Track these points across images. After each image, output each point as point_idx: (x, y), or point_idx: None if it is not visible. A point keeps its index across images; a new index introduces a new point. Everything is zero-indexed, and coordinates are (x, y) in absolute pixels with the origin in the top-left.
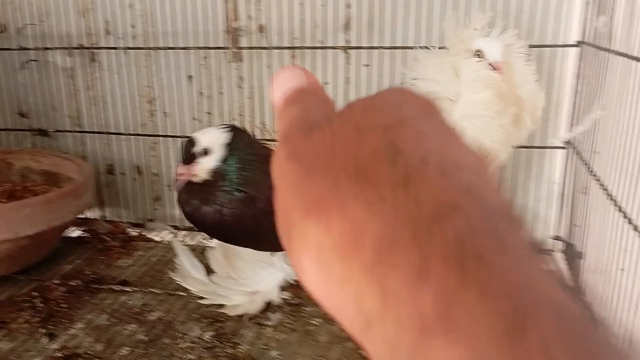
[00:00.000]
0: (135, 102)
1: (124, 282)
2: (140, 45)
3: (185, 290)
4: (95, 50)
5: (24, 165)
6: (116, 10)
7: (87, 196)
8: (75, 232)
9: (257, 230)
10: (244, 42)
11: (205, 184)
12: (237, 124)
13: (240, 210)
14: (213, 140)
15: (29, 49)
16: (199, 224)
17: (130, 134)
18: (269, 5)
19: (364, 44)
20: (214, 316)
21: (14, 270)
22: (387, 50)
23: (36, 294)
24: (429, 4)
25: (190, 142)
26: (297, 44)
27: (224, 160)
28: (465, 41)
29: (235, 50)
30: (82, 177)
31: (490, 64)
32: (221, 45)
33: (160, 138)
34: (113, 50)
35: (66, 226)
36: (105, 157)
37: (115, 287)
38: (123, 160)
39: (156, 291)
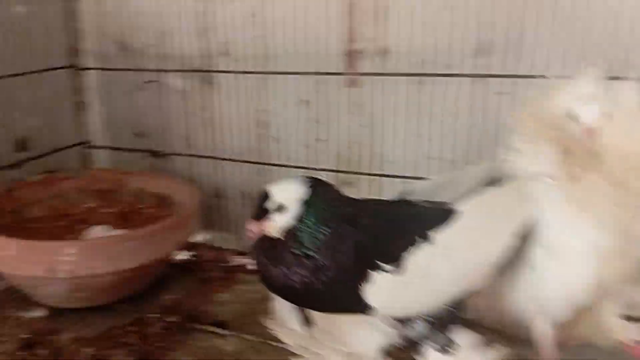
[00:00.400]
0: (247, 126)
1: (221, 324)
2: (255, 69)
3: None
4: (210, 73)
5: (138, 187)
6: (233, 30)
7: (192, 226)
8: (180, 255)
9: (328, 299)
10: (363, 66)
11: (277, 241)
12: (321, 176)
13: (308, 278)
14: (289, 196)
15: (147, 70)
16: (267, 283)
17: (237, 160)
18: (386, 25)
19: (501, 71)
20: None
21: (115, 299)
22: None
23: (134, 328)
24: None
25: (264, 196)
26: (423, 70)
27: (299, 219)
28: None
29: (352, 75)
30: (190, 202)
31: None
32: (337, 70)
33: (269, 166)
34: (229, 74)
35: (168, 257)
36: (213, 181)
37: (211, 329)
38: (230, 184)
39: (252, 338)
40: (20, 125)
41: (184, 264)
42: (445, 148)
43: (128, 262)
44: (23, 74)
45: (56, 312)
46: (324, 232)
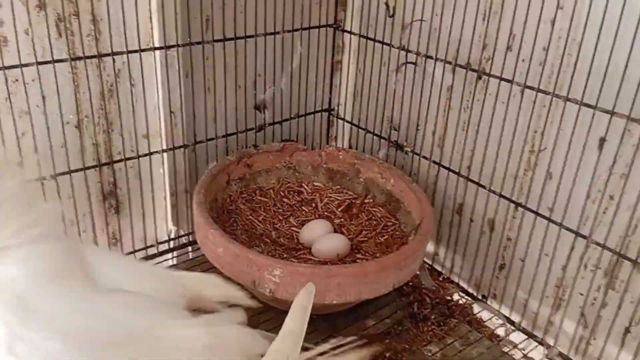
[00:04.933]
0: (515, 146)
1: None
2: (541, 87)
3: None
4: (484, 74)
5: (370, 177)
6: (528, 34)
7: (414, 265)
8: None
9: None
10: None
11: None
12: None
13: None
14: None
15: (410, 51)
16: None
17: (492, 191)
18: None
19: None
20: None
21: (316, 313)
22: None
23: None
24: None
25: None
26: None
27: None
28: None
29: None
30: (419, 220)
31: None
32: None
33: (523, 210)
34: (505, 82)
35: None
36: (458, 195)
37: None
38: (477, 206)
39: None
40: (264, 88)
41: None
42: None
43: (335, 298)
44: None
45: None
46: None
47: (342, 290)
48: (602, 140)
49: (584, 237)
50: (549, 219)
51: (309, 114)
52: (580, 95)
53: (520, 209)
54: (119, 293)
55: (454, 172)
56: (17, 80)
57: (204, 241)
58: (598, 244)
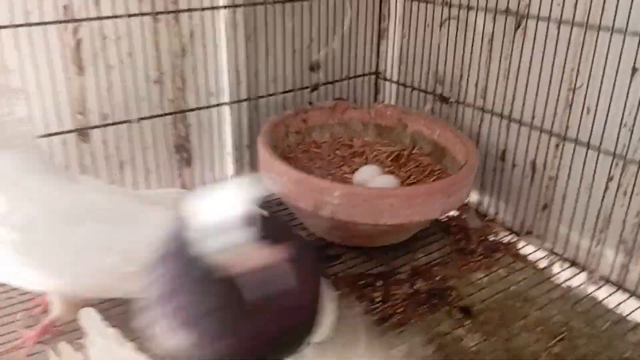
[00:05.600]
0: (554, 88)
1: (467, 311)
2: (576, 20)
3: None
4: (522, 18)
5: (417, 130)
6: None
7: (461, 194)
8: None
9: None
10: None
11: None
12: None
13: None
14: None
15: (453, 5)
16: None
17: (534, 127)
18: None
19: None
20: None
21: (371, 246)
22: None
23: (380, 282)
24: None
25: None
26: None
27: None
28: None
29: None
30: (468, 162)
31: None
32: None
33: (571, 143)
34: (545, 22)
35: (429, 221)
36: (500, 141)
37: (456, 314)
38: (519, 150)
39: (497, 340)
40: (318, 49)
41: (447, 224)
42: None
43: (385, 219)
44: None
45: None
46: None
47: (395, 211)
48: (634, 70)
49: (621, 157)
50: (588, 145)
51: (358, 76)
52: (611, 22)
53: (560, 145)
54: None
55: (497, 115)
56: (106, 37)
57: (268, 174)
58: (633, 161)
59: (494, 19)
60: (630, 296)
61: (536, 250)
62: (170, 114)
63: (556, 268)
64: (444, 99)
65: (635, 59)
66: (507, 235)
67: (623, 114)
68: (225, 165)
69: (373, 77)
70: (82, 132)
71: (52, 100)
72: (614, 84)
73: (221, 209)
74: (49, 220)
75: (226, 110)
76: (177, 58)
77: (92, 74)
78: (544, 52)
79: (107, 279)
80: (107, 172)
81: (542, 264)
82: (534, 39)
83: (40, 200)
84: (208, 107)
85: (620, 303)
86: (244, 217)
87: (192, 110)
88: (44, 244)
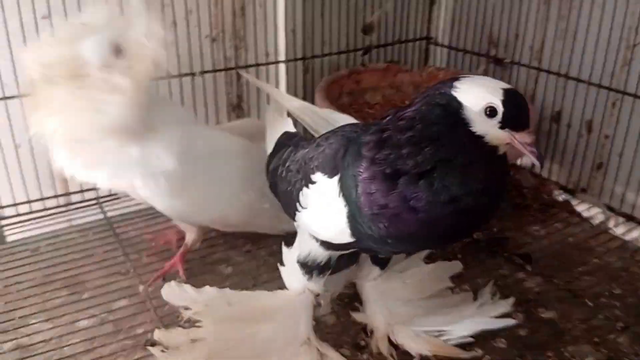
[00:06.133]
0: (612, 45)
1: (527, 258)
2: None
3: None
4: None
5: None
6: None
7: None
8: None
9: None
10: None
11: None
12: None
13: None
14: None
15: None
16: None
17: (592, 84)
18: None
19: None
20: None
21: None
22: None
23: None
24: None
25: (519, 94)
26: None
27: None
28: None
29: None
30: None
31: None
32: None
33: (628, 97)
34: None
35: None
36: (555, 102)
37: (516, 260)
38: (575, 110)
39: (558, 282)
40: (371, 12)
41: None
42: None
43: None
44: None
45: None
46: None
47: None
48: None
49: None
50: None
51: (409, 40)
52: None
53: (618, 103)
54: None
55: (553, 73)
56: None
57: None
58: None
59: None
60: None
61: (591, 207)
62: (228, 69)
63: (612, 223)
64: (497, 61)
65: None
66: (562, 194)
67: None
68: None
69: (424, 42)
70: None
71: None
72: None
73: None
74: (198, 160)
75: (282, 68)
76: (234, 17)
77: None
78: (603, 11)
79: (247, 213)
80: None
81: (598, 219)
82: None
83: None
84: (265, 64)
85: None
86: None
87: (249, 66)
88: (196, 181)
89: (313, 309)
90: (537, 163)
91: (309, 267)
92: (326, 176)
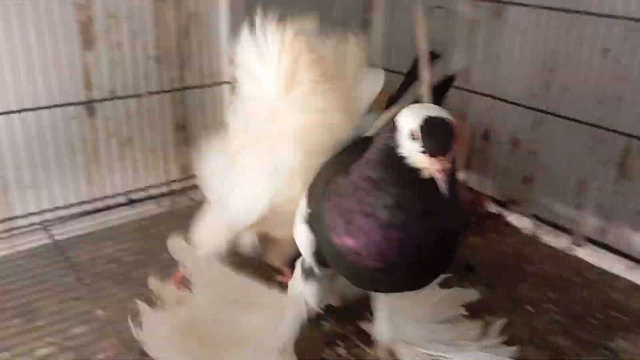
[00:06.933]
0: (532, 68)
1: (470, 268)
2: (554, 5)
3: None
4: (502, 4)
5: None
6: None
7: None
8: None
9: None
10: None
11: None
12: None
13: None
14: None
15: None
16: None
17: (515, 103)
18: None
19: None
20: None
21: None
22: None
23: None
24: None
25: (443, 123)
26: None
27: None
28: None
29: None
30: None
31: None
32: None
33: (549, 116)
34: (523, 7)
35: None
36: (485, 121)
37: (459, 270)
38: (503, 128)
39: (500, 290)
40: None
41: None
42: None
43: None
44: None
45: None
46: None
47: None
48: (605, 50)
49: (598, 127)
50: (567, 118)
51: None
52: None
53: (540, 121)
54: None
55: (481, 94)
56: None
57: None
58: (609, 129)
59: (476, 7)
60: (611, 252)
61: (522, 218)
62: (170, 91)
63: (542, 232)
64: None
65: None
66: (495, 206)
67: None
68: None
69: None
70: (89, 106)
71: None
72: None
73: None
74: None
75: (226, 89)
76: (178, 39)
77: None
78: (524, 36)
79: None
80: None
81: (529, 229)
82: (516, 25)
83: None
84: (211, 85)
85: (603, 259)
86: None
87: (194, 87)
88: None
89: (300, 322)
90: (443, 192)
91: (304, 269)
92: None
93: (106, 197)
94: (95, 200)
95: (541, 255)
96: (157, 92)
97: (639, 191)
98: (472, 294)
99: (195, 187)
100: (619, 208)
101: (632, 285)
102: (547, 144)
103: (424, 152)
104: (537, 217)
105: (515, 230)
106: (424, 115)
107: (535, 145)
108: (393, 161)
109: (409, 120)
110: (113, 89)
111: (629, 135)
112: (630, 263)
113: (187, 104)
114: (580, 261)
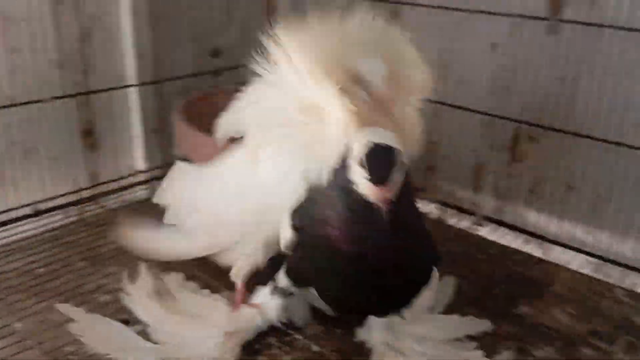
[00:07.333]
0: (430, 64)
1: None
2: (447, 5)
3: None
4: (399, 5)
5: None
6: None
7: None
8: None
9: None
10: (567, 13)
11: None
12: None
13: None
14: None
15: None
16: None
17: None
18: None
19: None
20: None
21: None
22: None
23: None
24: None
25: (387, 152)
26: None
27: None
28: None
29: (554, 21)
30: None
31: None
32: (538, 14)
33: (446, 107)
34: (418, 7)
35: None
36: None
37: None
38: None
39: None
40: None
41: None
42: None
43: None
44: None
45: None
46: None
47: None
48: (494, 45)
49: (490, 115)
50: (462, 108)
51: None
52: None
53: (438, 113)
54: None
55: None
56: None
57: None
58: (500, 116)
59: (375, 8)
60: (508, 229)
61: (429, 204)
62: (74, 95)
63: (447, 215)
64: None
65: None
66: None
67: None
68: (133, 152)
69: None
70: None
71: None
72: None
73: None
74: None
75: (133, 92)
76: (81, 42)
77: None
78: (421, 34)
79: None
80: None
81: (435, 213)
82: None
83: None
84: (117, 88)
85: (502, 236)
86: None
87: (100, 91)
88: None
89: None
90: (384, 219)
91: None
92: None
93: (11, 209)
94: None
95: (447, 237)
96: (60, 97)
97: (530, 172)
98: (484, 325)
99: (105, 194)
100: (513, 188)
101: (529, 257)
102: (445, 133)
103: (369, 180)
104: (441, 202)
105: (424, 215)
106: (370, 143)
107: (436, 136)
108: (346, 183)
109: (358, 146)
110: (12, 95)
111: (518, 122)
112: (527, 237)
113: (93, 108)
114: (483, 239)
